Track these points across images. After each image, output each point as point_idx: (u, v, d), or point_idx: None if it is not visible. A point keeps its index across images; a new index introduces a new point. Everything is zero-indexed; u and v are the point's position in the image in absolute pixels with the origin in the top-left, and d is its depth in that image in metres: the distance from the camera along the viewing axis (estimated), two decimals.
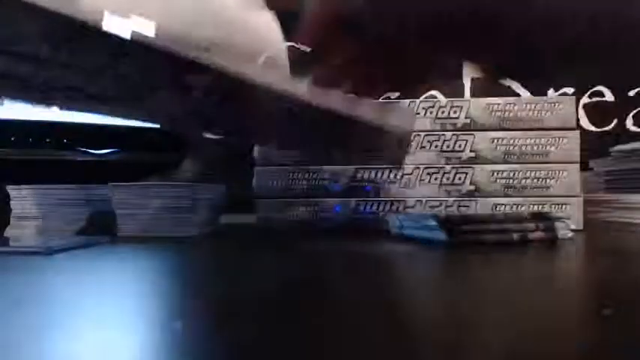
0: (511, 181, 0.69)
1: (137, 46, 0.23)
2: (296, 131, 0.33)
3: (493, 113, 0.70)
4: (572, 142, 0.69)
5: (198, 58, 0.26)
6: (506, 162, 0.69)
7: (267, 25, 0.36)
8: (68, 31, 0.22)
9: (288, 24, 0.92)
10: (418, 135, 0.70)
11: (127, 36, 0.23)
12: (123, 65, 0.24)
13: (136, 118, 0.29)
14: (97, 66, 0.24)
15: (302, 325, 0.23)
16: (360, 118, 0.33)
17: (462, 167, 0.69)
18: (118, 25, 0.23)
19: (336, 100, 0.31)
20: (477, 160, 0.70)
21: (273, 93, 0.29)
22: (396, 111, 0.38)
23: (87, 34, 0.22)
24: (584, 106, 1.03)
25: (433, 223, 0.52)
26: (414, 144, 0.70)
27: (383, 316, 0.25)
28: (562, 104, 0.70)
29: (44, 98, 0.26)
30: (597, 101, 1.03)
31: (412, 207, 0.69)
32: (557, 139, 0.69)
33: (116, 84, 0.25)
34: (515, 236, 0.53)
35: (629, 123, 1.03)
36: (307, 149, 0.40)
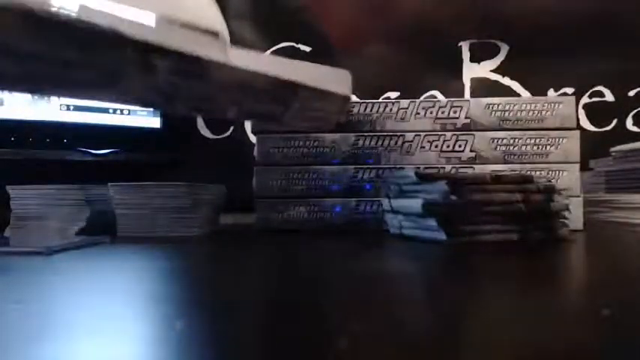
0: None
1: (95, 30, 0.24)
2: (244, 100, 0.34)
3: (493, 113, 0.70)
4: (572, 142, 0.69)
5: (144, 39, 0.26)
6: (506, 162, 0.69)
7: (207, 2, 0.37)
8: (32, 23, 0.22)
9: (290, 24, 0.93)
10: (418, 135, 0.70)
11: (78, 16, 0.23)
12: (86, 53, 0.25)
13: (108, 100, 0.31)
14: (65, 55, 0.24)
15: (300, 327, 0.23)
16: (300, 82, 0.34)
17: (462, 167, 0.69)
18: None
19: (272, 65, 0.32)
20: (476, 160, 0.70)
21: (217, 65, 0.30)
22: (333, 75, 0.38)
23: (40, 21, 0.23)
24: (584, 106, 1.03)
25: (433, 223, 0.52)
26: (414, 144, 0.70)
27: (377, 319, 0.25)
28: (562, 104, 0.70)
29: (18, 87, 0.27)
30: (597, 101, 1.03)
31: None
32: (557, 139, 0.69)
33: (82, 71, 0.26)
34: (515, 236, 0.53)
35: (629, 123, 1.03)
36: (257, 117, 0.41)
